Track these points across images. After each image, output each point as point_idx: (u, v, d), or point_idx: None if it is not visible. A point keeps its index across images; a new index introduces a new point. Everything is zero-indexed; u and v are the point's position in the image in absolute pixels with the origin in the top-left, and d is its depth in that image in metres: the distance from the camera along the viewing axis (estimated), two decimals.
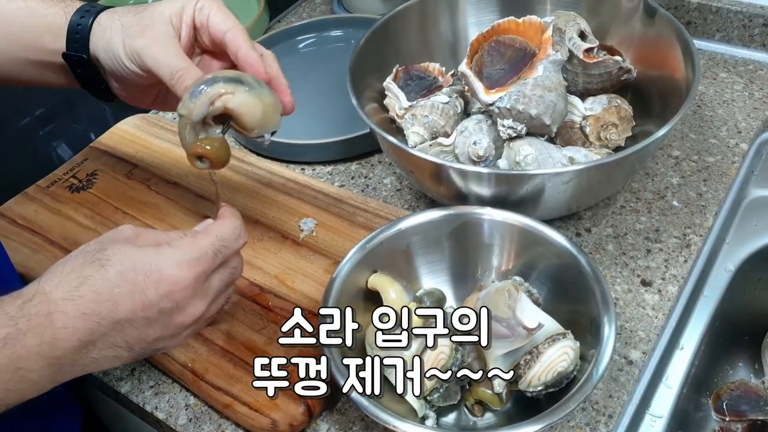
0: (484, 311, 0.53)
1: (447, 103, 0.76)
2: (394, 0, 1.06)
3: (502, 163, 0.72)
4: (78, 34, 0.61)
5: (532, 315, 0.57)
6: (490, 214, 0.63)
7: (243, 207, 0.77)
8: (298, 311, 0.54)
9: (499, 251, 0.64)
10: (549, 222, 0.63)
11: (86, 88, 0.66)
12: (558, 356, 0.56)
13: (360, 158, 0.87)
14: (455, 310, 0.55)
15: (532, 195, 0.66)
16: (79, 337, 0.47)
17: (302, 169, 0.86)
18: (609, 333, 0.55)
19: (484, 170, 0.67)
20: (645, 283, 0.69)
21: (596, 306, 0.57)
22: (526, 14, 0.75)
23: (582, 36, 0.78)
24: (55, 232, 0.77)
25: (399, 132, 0.79)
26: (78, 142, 0.96)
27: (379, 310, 0.55)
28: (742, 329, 0.83)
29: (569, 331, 0.57)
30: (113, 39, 0.60)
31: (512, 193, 0.66)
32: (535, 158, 0.69)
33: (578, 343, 0.57)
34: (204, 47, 0.62)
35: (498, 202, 0.66)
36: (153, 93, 0.66)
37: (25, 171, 0.96)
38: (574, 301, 0.60)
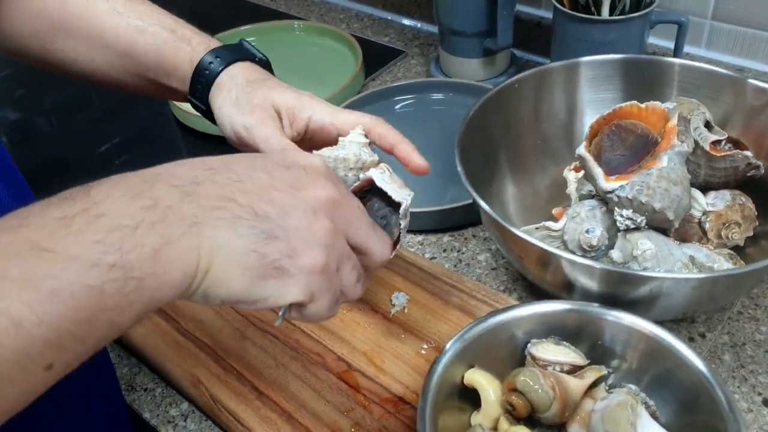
0: None
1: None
2: (494, 67, 1.03)
3: (616, 254, 0.67)
4: (200, 86, 0.63)
5: None
6: (616, 316, 0.56)
7: None
8: None
9: (618, 359, 0.58)
10: (659, 323, 0.57)
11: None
12: None
13: (453, 230, 0.83)
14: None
15: (650, 296, 0.60)
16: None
17: None
18: None
19: (610, 267, 0.61)
20: (767, 404, 0.62)
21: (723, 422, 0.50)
22: (645, 95, 0.71)
23: (708, 126, 0.73)
24: None
25: None
26: None
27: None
28: None
29: None
30: (228, 110, 0.61)
31: (628, 292, 0.61)
32: (654, 254, 0.64)
33: None
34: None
35: (607, 297, 0.61)
36: None
37: None
38: (694, 413, 0.54)
